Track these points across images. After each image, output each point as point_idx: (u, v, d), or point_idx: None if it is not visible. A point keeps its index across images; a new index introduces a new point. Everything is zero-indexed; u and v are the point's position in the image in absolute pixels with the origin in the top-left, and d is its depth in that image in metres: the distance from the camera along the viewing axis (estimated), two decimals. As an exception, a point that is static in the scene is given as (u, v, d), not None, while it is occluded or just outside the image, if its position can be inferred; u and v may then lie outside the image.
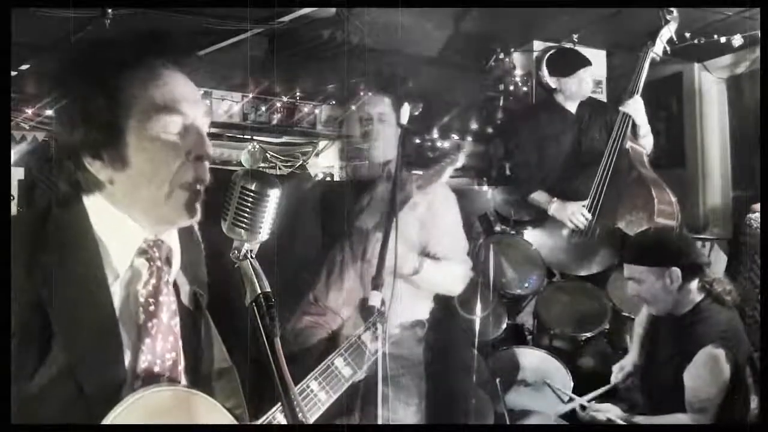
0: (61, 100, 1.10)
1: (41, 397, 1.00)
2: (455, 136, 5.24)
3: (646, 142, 3.60)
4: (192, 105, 1.12)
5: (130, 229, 1.11)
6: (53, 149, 1.13)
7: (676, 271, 2.41)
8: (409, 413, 2.27)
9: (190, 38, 3.67)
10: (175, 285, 1.18)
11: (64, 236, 1.07)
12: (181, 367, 1.14)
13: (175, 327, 1.14)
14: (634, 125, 3.54)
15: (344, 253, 2.22)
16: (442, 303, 2.55)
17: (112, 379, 1.04)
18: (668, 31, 3.48)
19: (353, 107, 2.38)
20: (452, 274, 2.33)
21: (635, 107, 3.49)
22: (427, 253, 2.26)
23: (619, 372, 2.79)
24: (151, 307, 1.11)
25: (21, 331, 1.00)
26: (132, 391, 1.04)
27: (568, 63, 3.79)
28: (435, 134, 4.97)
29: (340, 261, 2.23)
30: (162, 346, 1.11)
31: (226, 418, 1.15)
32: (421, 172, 2.26)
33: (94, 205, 1.10)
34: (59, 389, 1.00)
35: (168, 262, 1.15)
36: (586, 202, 3.50)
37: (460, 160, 2.17)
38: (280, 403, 1.04)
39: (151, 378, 1.08)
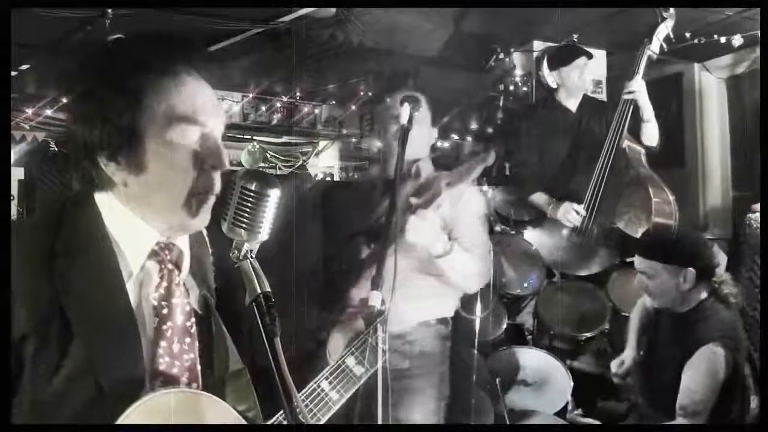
0: (81, 97, 1.08)
1: (61, 396, 1.00)
2: (455, 136, 5.24)
3: (650, 128, 3.54)
4: (211, 114, 1.11)
5: (143, 230, 1.11)
6: (69, 146, 1.11)
7: (692, 273, 2.40)
8: (426, 415, 2.25)
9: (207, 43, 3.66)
10: (184, 288, 1.18)
11: (78, 236, 1.07)
12: (199, 368, 1.14)
13: (191, 328, 1.14)
14: (637, 111, 3.49)
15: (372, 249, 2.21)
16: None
17: (130, 378, 1.04)
18: (665, 29, 3.46)
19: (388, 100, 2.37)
20: (474, 268, 2.30)
21: (638, 88, 3.44)
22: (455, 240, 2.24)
23: (618, 368, 2.77)
24: (165, 310, 1.11)
25: (39, 332, 0.99)
26: (151, 392, 1.04)
27: (566, 53, 3.84)
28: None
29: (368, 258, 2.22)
30: (179, 348, 1.11)
31: (239, 422, 1.13)
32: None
33: (105, 203, 1.10)
34: (79, 389, 1.01)
35: (177, 265, 1.15)
36: (582, 206, 3.50)
37: (491, 159, 2.16)
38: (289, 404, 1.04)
39: (170, 380, 1.08)
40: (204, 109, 1.10)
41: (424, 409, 2.27)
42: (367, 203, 2.33)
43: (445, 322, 2.39)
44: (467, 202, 2.31)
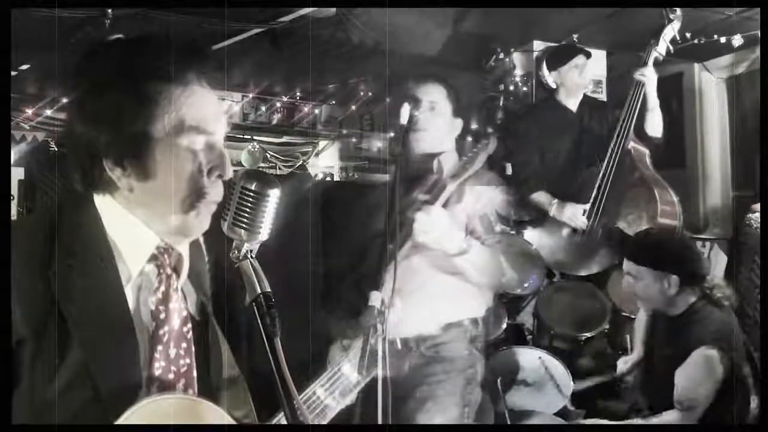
0: (88, 97, 1.07)
1: (58, 400, 0.99)
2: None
3: (654, 117, 3.54)
4: (217, 123, 1.11)
5: (144, 234, 1.10)
6: (69, 146, 1.09)
7: (675, 279, 2.41)
8: (448, 422, 2.15)
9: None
10: (182, 293, 1.18)
11: (77, 238, 1.07)
12: (195, 373, 1.14)
13: (187, 334, 1.13)
14: (644, 103, 3.49)
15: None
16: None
17: (127, 382, 1.04)
18: (671, 30, 3.47)
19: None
20: (493, 267, 2.22)
21: (648, 74, 3.45)
22: (476, 238, 2.18)
23: (624, 364, 2.78)
24: (162, 315, 1.10)
25: (37, 336, 0.99)
26: (147, 397, 1.04)
27: (564, 52, 3.86)
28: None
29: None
30: (175, 353, 1.11)
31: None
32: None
33: (105, 206, 1.10)
34: (76, 393, 1.00)
35: (176, 270, 1.14)
36: (587, 206, 3.50)
37: (493, 147, 2.12)
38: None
39: (166, 384, 1.08)
40: (211, 118, 1.10)
41: (444, 415, 2.15)
42: (380, 203, 2.27)
43: (476, 323, 2.26)
44: (488, 201, 2.25)
